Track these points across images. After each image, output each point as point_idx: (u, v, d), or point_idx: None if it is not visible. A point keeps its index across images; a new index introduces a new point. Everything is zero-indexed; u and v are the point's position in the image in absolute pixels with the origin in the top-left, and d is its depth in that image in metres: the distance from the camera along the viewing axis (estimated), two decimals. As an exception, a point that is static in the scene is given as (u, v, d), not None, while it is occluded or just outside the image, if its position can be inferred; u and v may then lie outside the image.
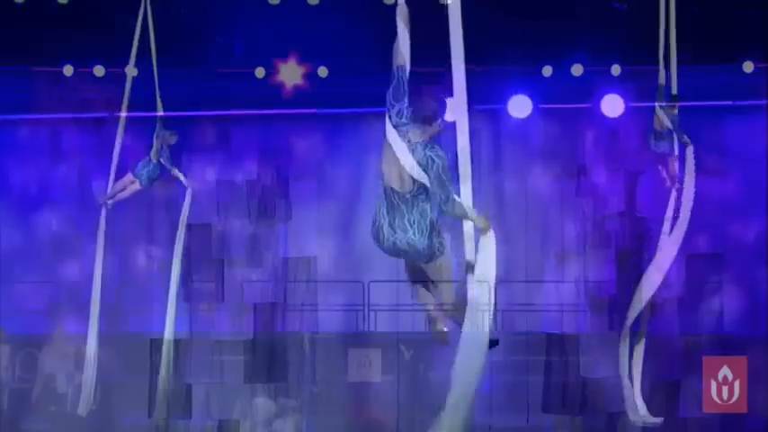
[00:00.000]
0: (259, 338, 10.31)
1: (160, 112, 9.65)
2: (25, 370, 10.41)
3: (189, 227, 9.86)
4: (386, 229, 6.10)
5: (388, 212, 6.08)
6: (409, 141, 6.02)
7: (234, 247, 10.42)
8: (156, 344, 10.01)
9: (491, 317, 6.26)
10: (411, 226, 6.08)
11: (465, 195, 6.08)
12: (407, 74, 6.06)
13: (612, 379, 9.96)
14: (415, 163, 5.95)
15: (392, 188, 6.05)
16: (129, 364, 10.41)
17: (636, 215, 10.18)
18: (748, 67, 9.80)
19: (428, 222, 6.07)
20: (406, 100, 6.04)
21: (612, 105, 10.01)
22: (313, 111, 10.26)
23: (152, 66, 9.56)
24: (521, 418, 10.01)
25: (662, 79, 8.86)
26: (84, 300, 10.32)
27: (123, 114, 9.62)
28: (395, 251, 6.15)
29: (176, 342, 10.08)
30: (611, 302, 10.20)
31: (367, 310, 10.28)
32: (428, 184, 5.96)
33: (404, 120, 6.04)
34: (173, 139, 9.73)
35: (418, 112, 6.03)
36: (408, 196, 6.03)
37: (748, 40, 9.64)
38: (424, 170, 5.95)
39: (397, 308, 10.32)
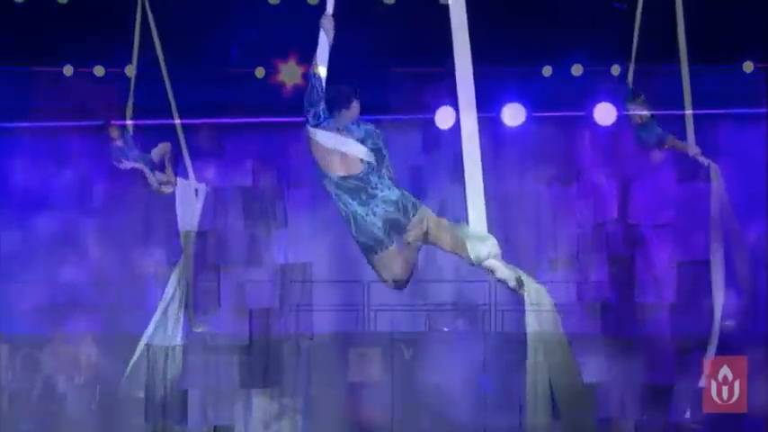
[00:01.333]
0: (256, 342, 10.34)
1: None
2: (25, 370, 10.43)
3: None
4: (360, 210, 6.35)
5: (352, 198, 6.36)
6: (338, 129, 6.37)
7: (231, 253, 10.44)
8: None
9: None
10: (379, 188, 6.37)
11: (476, 200, 6.20)
12: (323, 81, 6.37)
13: (603, 382, 10.04)
14: (357, 143, 6.34)
15: (342, 176, 6.36)
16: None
17: (629, 222, 10.22)
18: (748, 67, 9.80)
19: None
20: (321, 104, 6.36)
21: (606, 113, 10.01)
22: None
23: (157, 65, 9.61)
24: (514, 417, 10.02)
25: (630, 77, 9.40)
26: (84, 300, 10.37)
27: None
28: (381, 220, 6.35)
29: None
30: (604, 307, 10.24)
31: (366, 310, 10.29)
32: (374, 157, 6.37)
33: (321, 120, 6.37)
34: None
35: (334, 102, 6.39)
36: (361, 175, 6.34)
37: (748, 40, 9.64)
38: (369, 143, 6.37)
39: (396, 308, 10.34)
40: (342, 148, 6.35)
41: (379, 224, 6.34)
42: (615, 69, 9.94)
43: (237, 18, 9.78)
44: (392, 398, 10.35)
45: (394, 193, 6.36)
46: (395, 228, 6.37)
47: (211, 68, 9.98)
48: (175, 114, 9.89)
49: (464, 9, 6.41)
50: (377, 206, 6.35)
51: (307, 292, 10.42)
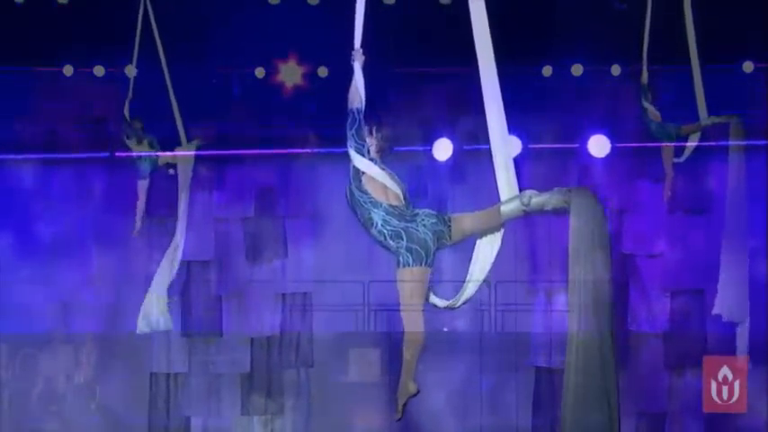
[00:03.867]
0: (257, 370, 10.41)
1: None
2: (25, 370, 10.44)
3: (188, 264, 10.06)
4: (410, 225, 6.64)
5: (399, 220, 6.64)
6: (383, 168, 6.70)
7: (232, 283, 10.48)
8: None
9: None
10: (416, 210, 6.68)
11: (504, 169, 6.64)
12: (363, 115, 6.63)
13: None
14: (399, 183, 6.67)
15: (392, 205, 6.65)
16: (130, 365, 10.46)
17: (622, 251, 10.26)
18: (748, 67, 9.80)
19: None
20: (367, 139, 6.61)
21: (600, 146, 10.04)
22: (308, 150, 10.31)
23: (154, 65, 9.63)
24: (511, 418, 10.05)
25: (644, 78, 9.43)
26: (84, 300, 10.38)
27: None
28: (430, 231, 6.67)
29: (175, 375, 10.30)
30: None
31: (366, 310, 10.29)
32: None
33: (371, 155, 6.65)
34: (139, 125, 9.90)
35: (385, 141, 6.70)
36: (403, 206, 6.67)
37: (748, 40, 9.64)
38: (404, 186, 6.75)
39: (396, 308, 10.31)
40: (388, 183, 6.63)
41: (430, 235, 6.61)
42: (615, 69, 9.95)
43: (237, 18, 9.77)
44: (392, 398, 10.33)
45: (428, 211, 6.68)
46: (439, 238, 6.66)
47: (210, 68, 9.99)
48: (177, 114, 9.91)
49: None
50: (423, 220, 6.62)
51: (307, 320, 10.48)
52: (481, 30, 6.60)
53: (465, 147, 10.07)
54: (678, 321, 10.20)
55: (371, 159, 6.62)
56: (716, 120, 9.44)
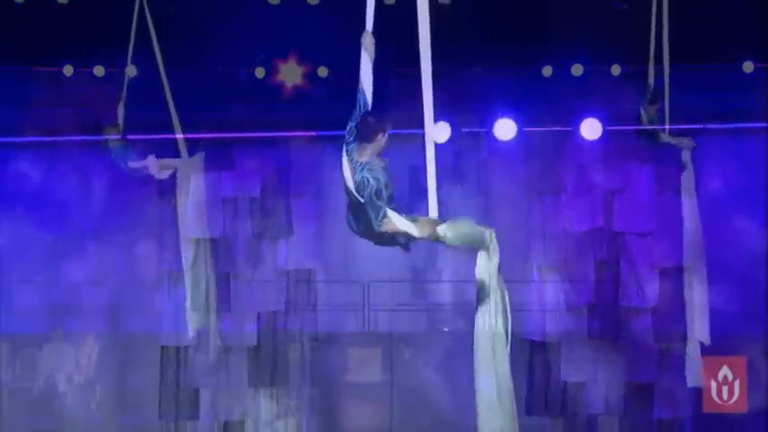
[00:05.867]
0: (263, 343, 10.43)
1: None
2: (25, 370, 10.45)
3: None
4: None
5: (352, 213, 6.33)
6: (352, 160, 6.28)
7: (240, 260, 10.50)
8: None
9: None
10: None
11: (431, 204, 6.35)
12: (368, 98, 6.35)
13: (588, 381, 10.12)
14: (353, 183, 6.24)
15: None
16: (131, 364, 10.48)
17: (613, 230, 10.28)
18: (748, 67, 9.80)
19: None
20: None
21: (592, 129, 10.06)
22: (313, 133, 10.32)
23: (154, 65, 9.61)
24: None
25: (650, 78, 9.22)
26: (84, 300, 10.40)
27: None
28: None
29: (185, 348, 10.33)
30: (590, 310, 10.30)
31: (367, 310, 10.30)
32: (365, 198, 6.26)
33: (351, 138, 6.31)
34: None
35: (361, 128, 6.29)
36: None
37: (748, 40, 9.64)
38: (360, 190, 6.23)
39: (396, 308, 10.35)
40: (346, 179, 6.32)
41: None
42: (615, 69, 9.95)
43: (237, 18, 9.77)
44: (392, 398, 10.35)
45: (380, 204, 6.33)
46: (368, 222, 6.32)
47: (211, 68, 9.99)
48: (174, 115, 9.89)
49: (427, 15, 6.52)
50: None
51: (311, 296, 10.49)
52: (424, 26, 6.57)
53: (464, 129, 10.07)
54: (666, 297, 10.23)
55: (351, 141, 6.29)
56: (672, 139, 9.47)
